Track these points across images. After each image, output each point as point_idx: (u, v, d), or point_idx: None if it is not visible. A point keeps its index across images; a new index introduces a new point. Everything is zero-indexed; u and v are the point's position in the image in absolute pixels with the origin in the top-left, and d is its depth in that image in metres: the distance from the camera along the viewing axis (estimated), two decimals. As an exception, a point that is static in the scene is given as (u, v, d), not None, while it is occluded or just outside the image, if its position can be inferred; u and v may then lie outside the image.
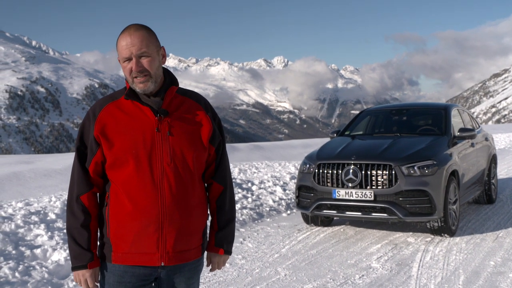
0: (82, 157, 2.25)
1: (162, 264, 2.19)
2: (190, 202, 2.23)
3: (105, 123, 2.18)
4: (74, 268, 2.22)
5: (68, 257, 5.17)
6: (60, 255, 5.20)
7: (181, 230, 2.21)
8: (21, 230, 5.71)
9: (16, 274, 4.69)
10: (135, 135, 2.15)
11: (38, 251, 5.25)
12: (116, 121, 2.18)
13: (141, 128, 2.17)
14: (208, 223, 2.41)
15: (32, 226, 5.86)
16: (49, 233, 5.72)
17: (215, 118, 2.35)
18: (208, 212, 2.41)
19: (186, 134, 2.22)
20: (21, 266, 4.83)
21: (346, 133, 7.91)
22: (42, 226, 5.88)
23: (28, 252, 5.20)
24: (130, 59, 2.14)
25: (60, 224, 6.12)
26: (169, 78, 2.27)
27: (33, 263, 5.01)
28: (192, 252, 2.27)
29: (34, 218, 6.11)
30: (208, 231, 2.43)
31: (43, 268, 4.89)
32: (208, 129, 2.28)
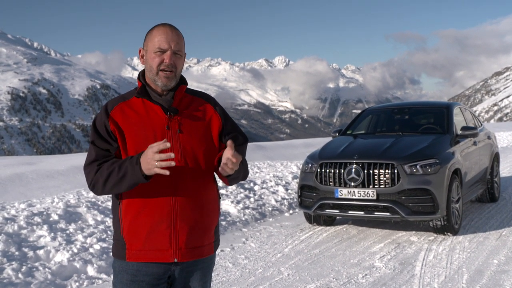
0: (100, 148, 2.22)
1: (175, 260, 2.21)
2: (202, 198, 2.26)
3: (117, 121, 2.22)
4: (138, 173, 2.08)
5: (71, 258, 5.18)
6: (63, 256, 5.20)
7: (194, 226, 2.23)
8: (24, 231, 5.72)
9: (19, 275, 4.70)
10: (146, 134, 2.19)
11: (41, 252, 5.25)
12: (128, 120, 2.22)
13: (151, 126, 2.21)
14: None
15: (35, 227, 5.86)
16: (52, 234, 5.73)
17: (226, 116, 2.37)
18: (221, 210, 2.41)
19: (196, 131, 2.25)
20: (24, 267, 4.84)
21: (348, 132, 7.90)
22: (45, 227, 5.89)
23: (31, 253, 5.21)
24: (165, 52, 2.19)
25: (63, 225, 6.12)
26: (180, 78, 2.32)
27: (36, 264, 5.01)
28: (205, 248, 2.29)
29: (37, 219, 6.11)
30: (219, 229, 2.43)
31: (46, 269, 4.90)
32: (218, 126, 2.31)
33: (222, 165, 2.13)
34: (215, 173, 2.36)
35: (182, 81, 2.32)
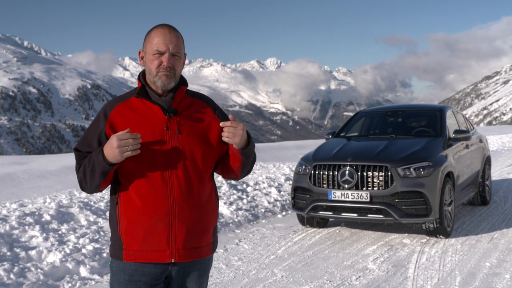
0: (81, 158, 2.26)
1: (173, 260, 2.21)
2: (200, 199, 2.26)
3: (116, 122, 2.22)
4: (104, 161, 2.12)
5: (63, 259, 5.14)
6: (56, 257, 5.16)
7: (192, 227, 2.23)
8: (16, 232, 5.67)
9: (11, 275, 4.66)
10: (144, 134, 2.18)
11: (33, 253, 5.21)
12: (127, 120, 2.22)
13: (150, 126, 2.20)
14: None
15: (27, 227, 5.81)
16: (44, 235, 5.68)
17: (225, 118, 2.35)
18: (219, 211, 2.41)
19: (195, 132, 2.25)
20: (16, 268, 4.80)
21: (342, 134, 7.92)
22: (37, 227, 5.84)
23: (23, 254, 5.16)
24: (163, 54, 2.19)
25: (55, 225, 6.08)
26: (180, 79, 2.32)
27: (28, 264, 4.97)
28: (203, 249, 2.30)
29: (29, 219, 6.06)
30: (217, 230, 2.43)
31: (38, 270, 4.86)
32: (218, 129, 2.30)
33: (227, 139, 2.19)
34: (223, 174, 2.40)
35: (183, 82, 2.31)
